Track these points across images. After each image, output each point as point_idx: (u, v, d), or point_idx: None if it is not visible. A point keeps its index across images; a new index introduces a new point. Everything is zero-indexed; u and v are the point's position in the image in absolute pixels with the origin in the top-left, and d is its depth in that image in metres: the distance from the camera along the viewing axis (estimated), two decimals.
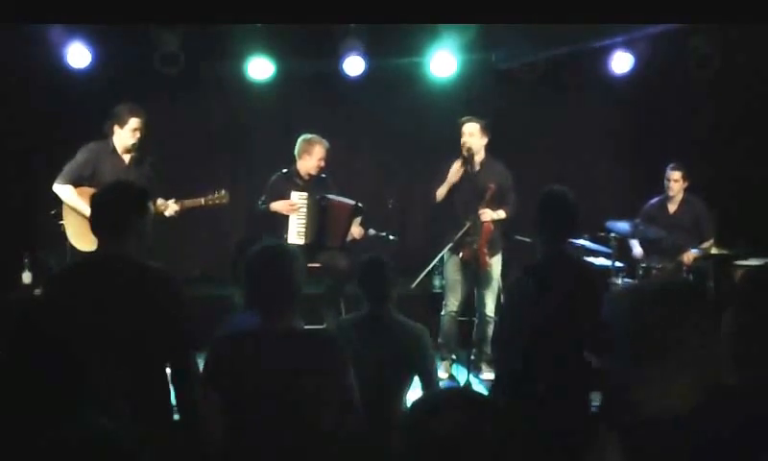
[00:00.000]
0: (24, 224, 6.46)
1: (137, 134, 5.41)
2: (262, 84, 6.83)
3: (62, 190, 5.37)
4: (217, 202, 5.67)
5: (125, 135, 5.41)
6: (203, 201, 5.64)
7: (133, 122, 5.40)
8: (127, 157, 5.47)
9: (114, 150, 5.46)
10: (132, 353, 2.74)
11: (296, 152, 5.95)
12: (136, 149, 5.44)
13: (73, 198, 5.35)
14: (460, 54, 6.69)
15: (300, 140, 5.95)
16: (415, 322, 3.65)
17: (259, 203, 5.95)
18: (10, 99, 6.39)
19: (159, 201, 5.44)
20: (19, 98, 6.44)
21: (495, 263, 5.77)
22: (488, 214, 5.55)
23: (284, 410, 2.57)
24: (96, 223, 2.96)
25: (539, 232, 3.68)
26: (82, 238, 5.33)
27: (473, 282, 5.75)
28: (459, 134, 5.74)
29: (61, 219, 5.40)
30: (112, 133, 5.45)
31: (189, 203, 5.60)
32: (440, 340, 5.77)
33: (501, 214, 5.65)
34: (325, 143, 5.92)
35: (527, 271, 3.67)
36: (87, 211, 5.38)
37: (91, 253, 3.07)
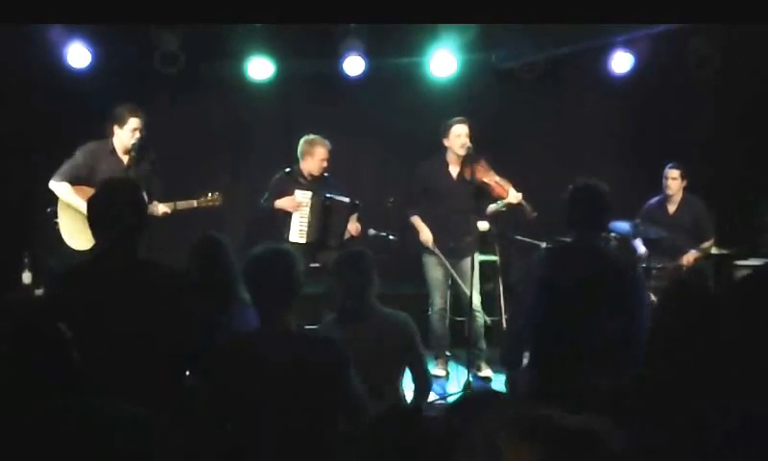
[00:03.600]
0: (24, 223, 6.45)
1: (137, 134, 5.42)
2: (262, 84, 6.83)
3: (58, 187, 5.39)
4: (210, 203, 5.67)
5: (124, 136, 5.42)
6: (195, 203, 5.64)
7: (133, 122, 5.41)
8: (125, 158, 5.48)
9: (113, 150, 5.47)
10: (143, 352, 2.73)
11: (298, 153, 5.97)
12: (136, 149, 5.45)
13: (70, 195, 5.36)
14: (460, 54, 6.69)
15: (301, 141, 5.97)
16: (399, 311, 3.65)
17: (262, 201, 5.97)
18: (10, 99, 6.38)
19: (154, 203, 5.45)
20: (19, 98, 6.43)
21: (476, 262, 5.80)
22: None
23: (283, 411, 2.57)
24: (94, 222, 2.93)
25: (568, 225, 3.69)
26: (76, 237, 5.34)
27: (455, 279, 5.80)
28: (446, 136, 5.80)
29: (57, 217, 5.41)
30: (112, 133, 5.46)
31: (182, 204, 5.61)
32: (431, 339, 5.81)
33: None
34: (327, 144, 5.93)
35: (550, 250, 3.70)
36: (84, 208, 5.40)
37: (94, 252, 3.03)
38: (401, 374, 3.64)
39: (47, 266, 5.77)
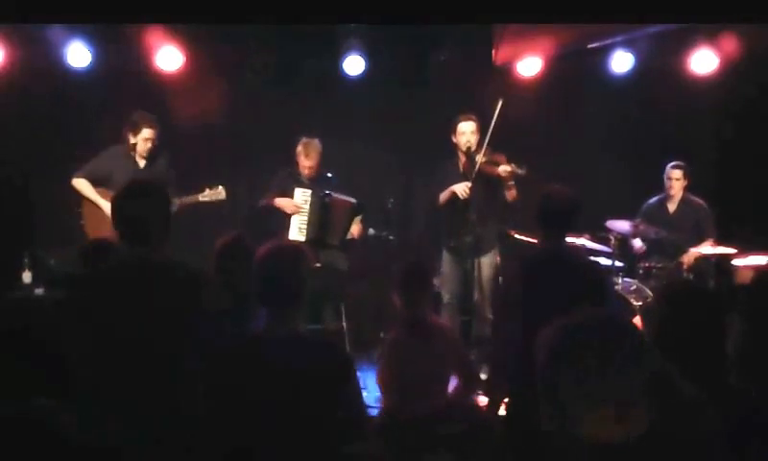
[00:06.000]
0: (24, 224, 6.45)
1: (149, 144, 5.63)
2: (263, 83, 6.83)
3: (79, 183, 5.59)
4: (214, 197, 5.74)
5: (137, 143, 5.60)
6: (199, 197, 5.71)
7: (146, 132, 5.62)
8: (142, 162, 5.64)
9: (129, 153, 5.62)
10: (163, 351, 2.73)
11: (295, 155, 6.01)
12: (150, 155, 5.61)
13: (90, 191, 5.53)
14: (459, 52, 6.69)
15: (298, 144, 6.00)
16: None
17: (263, 201, 6.00)
18: (9, 99, 6.38)
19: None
20: (19, 98, 6.43)
21: (487, 265, 5.82)
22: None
23: (284, 414, 2.56)
24: (122, 224, 2.88)
25: (538, 229, 3.75)
26: (100, 233, 5.39)
27: (469, 278, 5.80)
28: (453, 133, 5.85)
29: (82, 218, 5.52)
30: (127, 138, 5.58)
31: (188, 200, 5.67)
32: None
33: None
34: (318, 145, 5.96)
35: (522, 264, 3.76)
36: (104, 206, 5.49)
37: (122, 254, 3.00)
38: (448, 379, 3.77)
39: (47, 266, 5.78)
